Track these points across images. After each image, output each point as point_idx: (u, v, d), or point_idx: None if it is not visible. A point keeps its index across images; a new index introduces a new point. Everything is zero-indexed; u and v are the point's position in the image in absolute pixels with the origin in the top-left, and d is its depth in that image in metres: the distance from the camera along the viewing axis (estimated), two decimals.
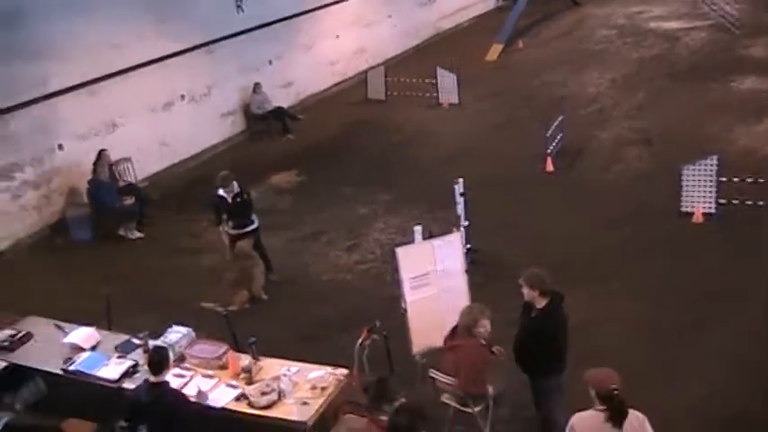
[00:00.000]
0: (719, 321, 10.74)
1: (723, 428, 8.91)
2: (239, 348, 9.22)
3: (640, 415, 6.62)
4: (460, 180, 12.21)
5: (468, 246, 12.31)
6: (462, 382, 8.34)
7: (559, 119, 16.93)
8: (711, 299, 11.24)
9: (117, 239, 14.57)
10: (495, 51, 25.36)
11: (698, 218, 13.35)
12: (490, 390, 8.47)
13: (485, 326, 8.36)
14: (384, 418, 6.41)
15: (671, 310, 11.10)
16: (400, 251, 9.25)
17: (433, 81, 21.05)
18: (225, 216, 12.49)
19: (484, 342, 8.37)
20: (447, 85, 20.80)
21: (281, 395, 8.29)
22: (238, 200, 12.38)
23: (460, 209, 12.31)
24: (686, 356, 10.10)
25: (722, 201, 13.35)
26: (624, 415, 6.50)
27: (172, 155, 17.26)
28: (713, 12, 27.36)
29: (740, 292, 11.31)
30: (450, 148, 17.65)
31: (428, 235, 10.90)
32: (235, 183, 12.35)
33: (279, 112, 19.67)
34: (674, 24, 26.96)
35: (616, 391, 6.48)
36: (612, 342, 10.29)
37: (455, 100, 20.73)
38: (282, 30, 20.64)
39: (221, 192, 12.34)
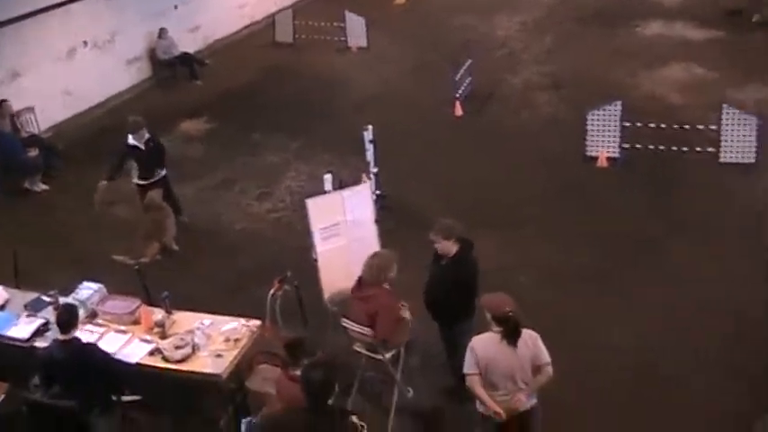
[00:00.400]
0: (631, 264, 11.13)
1: (633, 371, 9.25)
2: (152, 302, 9.22)
3: (533, 333, 7.04)
4: (369, 127, 12.28)
5: (378, 192, 12.44)
6: (382, 331, 8.39)
7: (468, 63, 17.05)
8: (622, 242, 11.64)
9: (22, 193, 14.24)
10: None
11: (602, 162, 13.68)
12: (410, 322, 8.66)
13: (392, 272, 8.47)
14: (299, 372, 6.48)
15: (583, 254, 11.44)
16: (310, 202, 9.29)
17: (342, 24, 20.90)
18: (136, 165, 12.26)
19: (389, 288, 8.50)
20: (355, 28, 20.64)
21: (195, 348, 8.36)
22: (151, 144, 12.18)
23: (370, 155, 12.39)
24: (600, 299, 10.46)
25: (626, 145, 13.67)
26: (518, 334, 6.92)
27: (77, 104, 16.86)
28: None
29: (648, 234, 11.74)
30: (359, 93, 17.65)
31: (338, 183, 10.99)
32: (144, 129, 12.11)
33: (186, 58, 19.33)
34: None
35: (510, 313, 6.88)
36: (527, 286, 10.58)
37: (364, 44, 20.62)
38: None
39: (132, 140, 12.06)
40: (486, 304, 7.09)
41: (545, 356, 7.03)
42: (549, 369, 7.06)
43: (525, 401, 7.11)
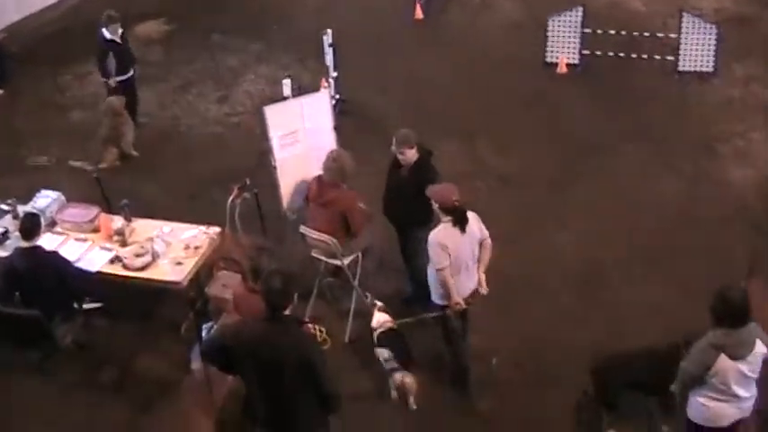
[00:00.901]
0: (584, 169, 11.30)
1: (579, 277, 9.53)
2: (111, 210, 9.24)
3: (473, 214, 7.54)
4: (329, 30, 12.20)
5: (338, 96, 12.43)
6: (357, 226, 8.55)
7: None
8: (577, 147, 11.74)
9: None
10: None
11: (562, 68, 13.67)
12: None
13: (353, 169, 8.60)
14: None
15: (539, 159, 11.57)
16: (268, 110, 9.23)
17: None
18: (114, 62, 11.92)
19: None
20: None
21: (155, 256, 8.45)
22: (125, 38, 12.04)
23: (329, 60, 12.34)
24: (553, 208, 10.65)
25: (585, 52, 13.66)
26: (467, 220, 7.39)
27: (29, 5, 16.38)
28: None
29: (604, 140, 11.86)
30: None
31: (297, 88, 10.98)
32: (119, 23, 11.84)
33: None
34: None
35: (457, 202, 7.32)
36: (480, 194, 10.70)
37: None
38: None
39: (108, 34, 11.75)
40: (434, 196, 7.44)
41: (485, 231, 7.61)
42: (489, 241, 7.63)
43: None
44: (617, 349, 7.77)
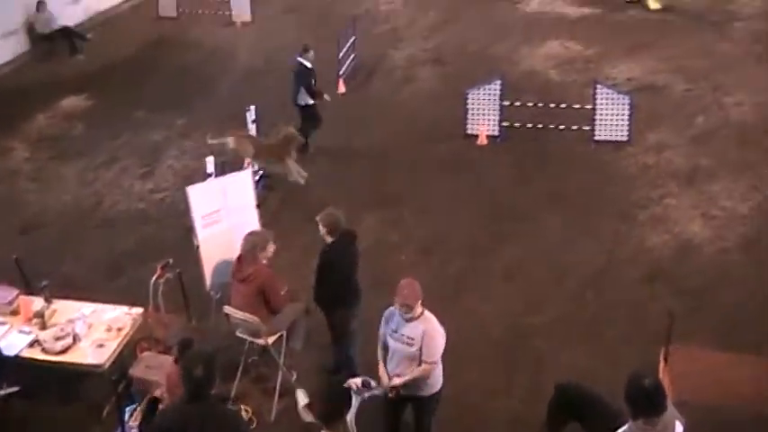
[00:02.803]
0: (507, 238, 11.48)
1: (502, 344, 9.63)
2: (31, 291, 9.10)
3: None
4: (252, 107, 12.35)
5: (261, 172, 12.52)
6: (276, 303, 8.55)
7: (352, 39, 17.13)
8: (499, 217, 11.94)
9: None
10: None
11: (482, 140, 13.91)
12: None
13: (270, 249, 8.64)
14: None
15: (462, 229, 11.73)
16: (190, 190, 9.25)
17: None
18: None
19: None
20: (240, 2, 20.37)
21: (75, 339, 8.30)
22: None
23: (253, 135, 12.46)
24: (475, 275, 10.79)
25: (505, 123, 13.95)
26: None
27: None
28: None
29: (525, 209, 12.10)
30: (243, 69, 17.55)
31: (220, 164, 11.04)
32: None
33: (66, 32, 18.86)
34: None
35: None
36: (405, 265, 10.80)
37: (248, 18, 20.35)
38: None
39: (308, 63, 13.49)
40: (410, 298, 7.12)
41: None
42: None
43: None
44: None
